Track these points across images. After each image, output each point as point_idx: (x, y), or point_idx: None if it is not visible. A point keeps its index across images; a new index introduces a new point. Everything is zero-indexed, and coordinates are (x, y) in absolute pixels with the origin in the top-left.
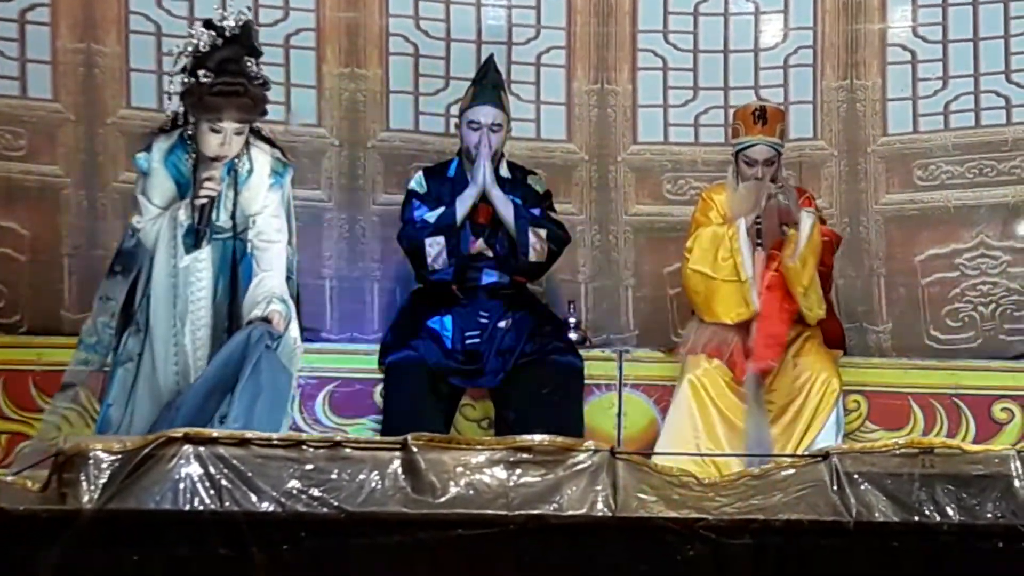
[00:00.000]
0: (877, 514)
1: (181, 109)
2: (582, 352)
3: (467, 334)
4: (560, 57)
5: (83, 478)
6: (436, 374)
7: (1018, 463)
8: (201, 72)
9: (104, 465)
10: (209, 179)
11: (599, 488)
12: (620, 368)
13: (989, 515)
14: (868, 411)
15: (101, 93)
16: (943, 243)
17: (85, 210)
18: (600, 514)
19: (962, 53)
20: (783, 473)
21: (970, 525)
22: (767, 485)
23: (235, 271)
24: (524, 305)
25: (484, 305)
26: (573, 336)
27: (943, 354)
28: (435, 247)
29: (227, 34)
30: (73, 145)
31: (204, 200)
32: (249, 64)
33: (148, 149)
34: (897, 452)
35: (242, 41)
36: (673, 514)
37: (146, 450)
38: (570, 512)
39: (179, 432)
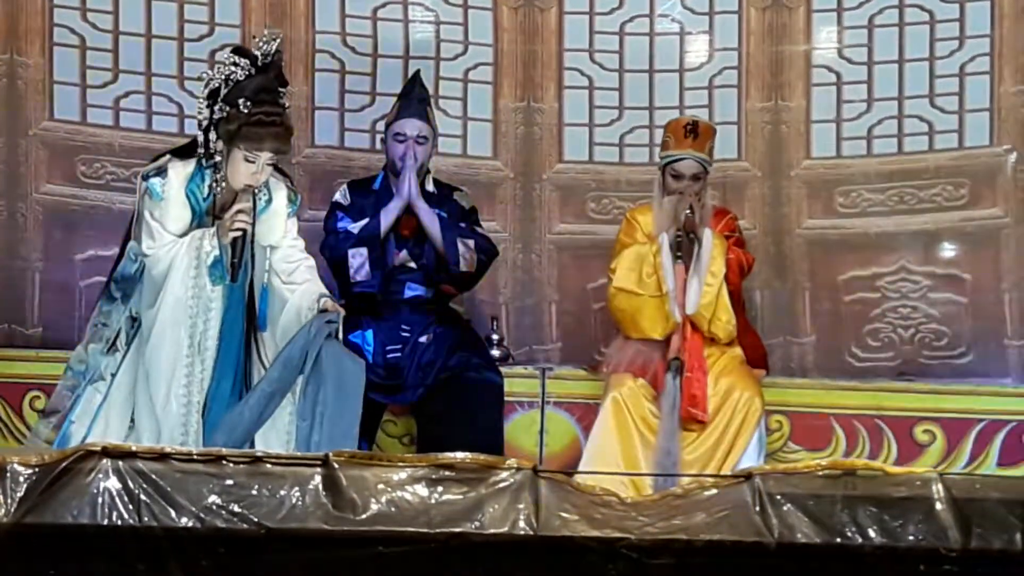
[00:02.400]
0: (799, 535)
1: (213, 136)
2: (504, 369)
3: (388, 348)
4: (487, 74)
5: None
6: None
7: (940, 485)
8: (241, 101)
9: (21, 478)
10: (242, 211)
11: (521, 506)
12: (543, 386)
13: (911, 537)
14: (791, 431)
15: (23, 104)
16: (865, 266)
17: (5, 221)
18: (522, 532)
19: (887, 75)
20: (706, 493)
21: (892, 547)
22: (690, 505)
23: (251, 303)
24: (446, 320)
25: (406, 319)
26: (495, 353)
27: (864, 372)
28: (358, 258)
29: (260, 63)
30: None
31: (238, 232)
32: (282, 93)
33: (160, 173)
34: (820, 473)
35: (274, 69)
36: (595, 533)
37: (64, 463)
38: (492, 530)
39: (97, 446)
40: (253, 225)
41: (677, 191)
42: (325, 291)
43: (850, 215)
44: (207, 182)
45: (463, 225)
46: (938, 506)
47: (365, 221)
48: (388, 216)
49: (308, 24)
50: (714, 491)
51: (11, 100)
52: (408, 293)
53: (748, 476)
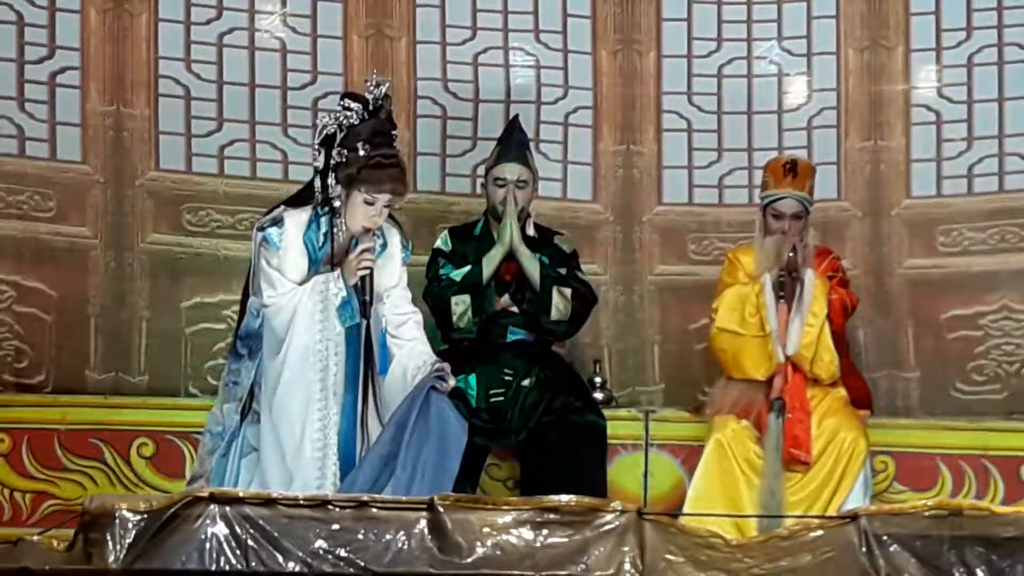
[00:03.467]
0: None
1: (331, 182)
2: (607, 412)
3: (492, 392)
4: (587, 117)
5: (109, 537)
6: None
7: None
8: (360, 144)
9: (130, 524)
10: (367, 250)
11: (626, 549)
12: (646, 428)
13: None
14: (896, 472)
15: (129, 155)
16: (967, 305)
17: (113, 270)
18: (628, 575)
19: (987, 114)
20: (812, 534)
21: None
22: (796, 546)
23: (368, 347)
24: (548, 363)
25: (509, 363)
26: (598, 396)
27: (969, 408)
28: (461, 305)
29: (371, 106)
30: (102, 206)
31: (365, 271)
32: (394, 135)
33: (277, 223)
34: (926, 514)
35: (385, 112)
36: (701, 575)
37: (172, 509)
38: (597, 573)
39: (204, 492)
40: (373, 288)
41: (778, 231)
42: (434, 356)
43: (951, 254)
44: (323, 230)
45: (563, 271)
46: None
47: (467, 269)
48: (490, 263)
49: (409, 71)
50: (820, 532)
51: (117, 151)
52: (511, 337)
53: (854, 517)
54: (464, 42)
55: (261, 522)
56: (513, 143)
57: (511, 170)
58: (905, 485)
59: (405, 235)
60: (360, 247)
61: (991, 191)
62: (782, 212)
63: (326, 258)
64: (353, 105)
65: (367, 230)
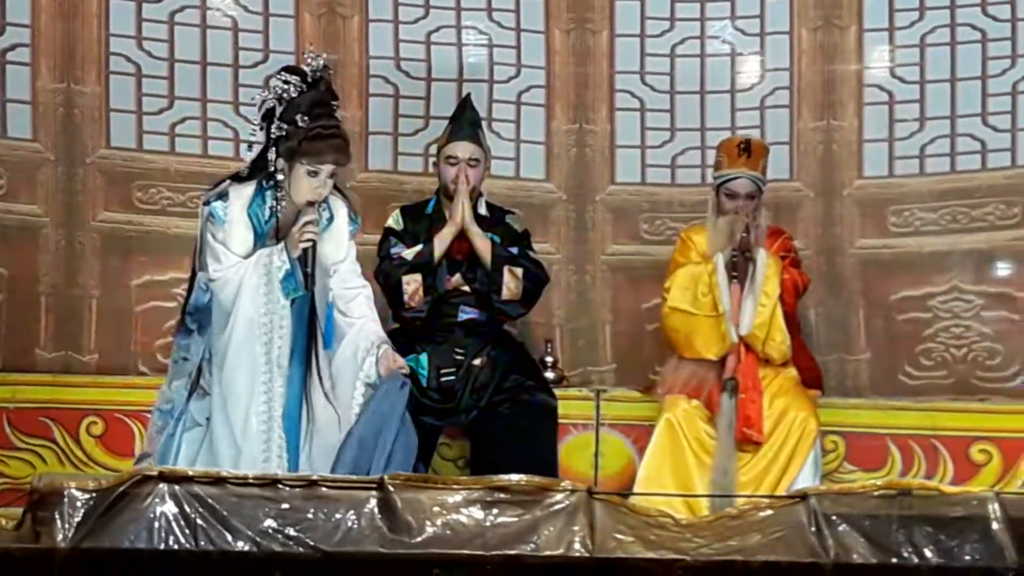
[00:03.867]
0: (855, 556)
1: (272, 156)
2: (559, 392)
3: (443, 371)
4: (540, 96)
5: (57, 516)
6: (412, 412)
7: (996, 505)
8: (299, 117)
9: (79, 503)
10: (309, 223)
11: (576, 528)
12: (597, 408)
13: (967, 557)
14: (846, 452)
15: (80, 132)
16: (917, 286)
17: (63, 249)
18: (577, 554)
19: (939, 94)
20: (761, 514)
21: (948, 567)
22: (745, 526)
23: (313, 321)
24: (500, 343)
25: (460, 342)
26: (550, 375)
27: (917, 391)
28: (412, 284)
29: (310, 79)
30: (52, 184)
31: (308, 244)
32: (335, 106)
33: (222, 197)
34: (875, 493)
35: (325, 84)
36: (651, 555)
37: (120, 488)
38: (547, 552)
39: (153, 471)
40: (315, 262)
41: (732, 211)
42: (384, 335)
43: (903, 234)
44: (267, 203)
45: (515, 250)
46: (995, 526)
47: (419, 247)
48: (442, 242)
49: (362, 49)
50: (769, 512)
51: (68, 129)
52: (462, 316)
53: (803, 496)
54: (416, 20)
55: (210, 501)
56: (465, 121)
57: (463, 148)
58: (855, 465)
59: (353, 209)
60: (303, 219)
61: (943, 171)
62: (736, 192)
63: (272, 232)
64: (291, 78)
65: (312, 202)
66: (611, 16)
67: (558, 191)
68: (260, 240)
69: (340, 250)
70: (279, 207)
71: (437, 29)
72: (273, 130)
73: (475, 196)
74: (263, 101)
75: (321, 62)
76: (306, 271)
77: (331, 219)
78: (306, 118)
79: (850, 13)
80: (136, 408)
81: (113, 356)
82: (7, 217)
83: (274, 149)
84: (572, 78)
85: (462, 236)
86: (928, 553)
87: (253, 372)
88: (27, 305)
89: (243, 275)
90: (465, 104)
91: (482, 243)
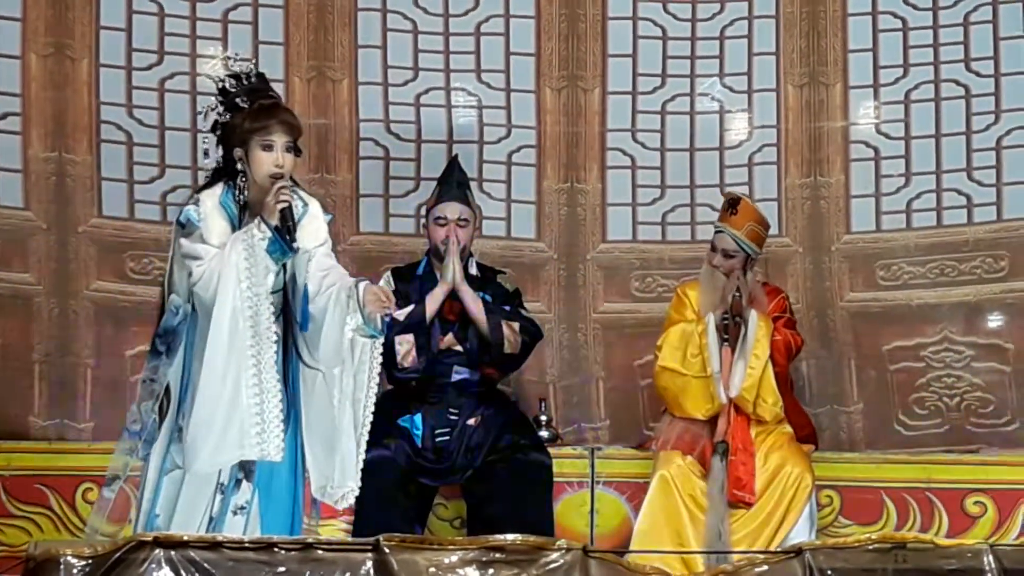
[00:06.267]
0: None
1: (220, 153)
2: (553, 450)
3: (437, 431)
4: (530, 156)
5: None
6: (407, 473)
7: (991, 557)
8: (238, 100)
9: (75, 570)
10: (283, 187)
11: None
12: (592, 465)
13: None
14: (841, 506)
15: (72, 201)
16: (908, 337)
17: (56, 317)
18: None
19: (924, 150)
20: (757, 570)
21: None
22: None
23: (286, 309)
24: (494, 402)
25: (454, 402)
26: (544, 434)
27: (912, 441)
28: (404, 345)
29: (244, 81)
30: (44, 253)
31: (284, 204)
32: (273, 94)
33: (194, 203)
34: (870, 547)
35: (260, 79)
36: None
37: (117, 554)
38: None
39: (149, 536)
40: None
41: (714, 264)
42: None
43: (892, 288)
44: (237, 199)
45: (507, 308)
46: None
47: (410, 308)
48: (433, 302)
49: (352, 112)
50: (765, 567)
51: (60, 198)
52: (455, 376)
53: (798, 552)
54: (406, 83)
55: (206, 566)
56: (453, 182)
57: (451, 209)
58: (850, 519)
59: (325, 208)
60: (276, 185)
61: (929, 226)
62: (716, 246)
63: (246, 219)
64: (226, 78)
65: (275, 176)
66: (603, 74)
67: (549, 250)
68: (236, 230)
69: (319, 235)
70: (246, 193)
71: (426, 91)
72: (219, 122)
73: (465, 256)
74: (206, 111)
75: (250, 65)
76: (286, 237)
77: (306, 205)
78: (246, 99)
79: (836, 70)
80: (132, 474)
81: (108, 424)
82: (0, 286)
83: (227, 144)
84: (563, 137)
85: (454, 296)
86: None
87: (240, 351)
88: (21, 373)
89: (223, 260)
90: (453, 165)
91: (474, 302)
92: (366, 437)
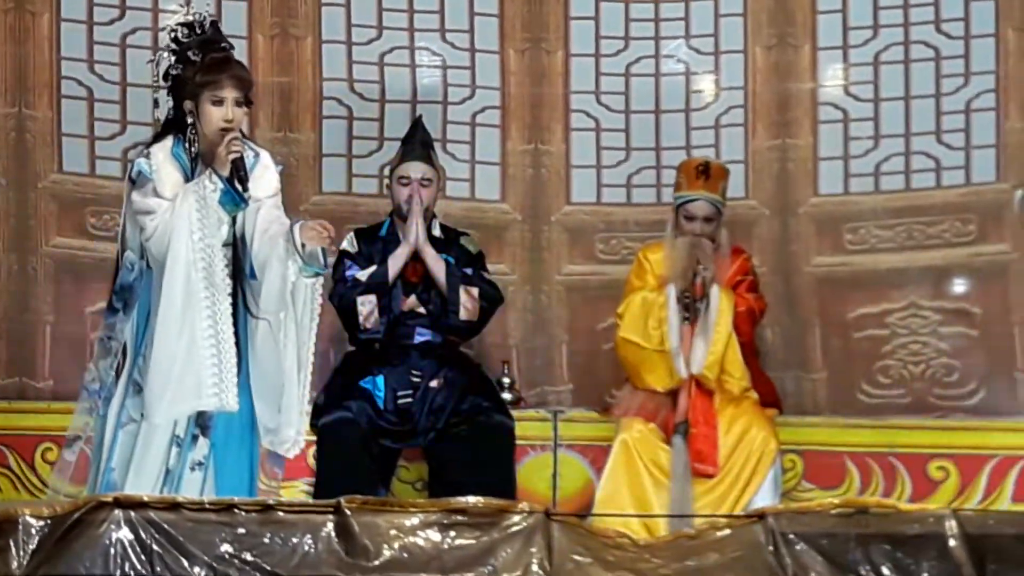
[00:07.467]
0: (813, 574)
1: (171, 104)
2: (516, 413)
3: (399, 393)
4: (494, 117)
5: (12, 544)
6: (369, 435)
7: (954, 522)
8: (190, 53)
9: (33, 530)
10: (234, 138)
11: (534, 550)
12: (555, 428)
13: (925, 574)
14: (804, 470)
15: (32, 157)
16: (874, 303)
17: (15, 274)
18: None
19: (893, 112)
20: (719, 534)
21: None
22: (703, 546)
23: (236, 261)
24: (456, 364)
25: (416, 364)
26: (507, 396)
27: (875, 410)
28: (367, 306)
29: (197, 30)
30: (4, 209)
31: (236, 155)
32: (225, 45)
33: (144, 156)
34: (833, 512)
35: (213, 28)
36: (609, 575)
37: (76, 515)
38: (505, 574)
39: (108, 496)
40: (247, 171)
41: (690, 232)
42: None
43: (859, 252)
44: (187, 152)
45: (469, 271)
46: (952, 543)
47: (373, 268)
48: (396, 263)
49: (316, 71)
50: (727, 531)
51: (20, 153)
52: (418, 338)
53: (761, 516)
54: (370, 42)
55: (166, 526)
56: (416, 142)
57: (415, 168)
58: (813, 483)
59: (275, 159)
60: (227, 137)
61: (898, 189)
62: (694, 214)
63: (198, 172)
64: (178, 27)
65: (224, 130)
66: (566, 36)
67: (513, 212)
68: (189, 181)
69: (270, 186)
70: (196, 145)
71: (391, 50)
72: (170, 74)
73: (429, 217)
74: (157, 61)
75: (206, 15)
76: (238, 187)
77: (256, 156)
78: (198, 53)
79: (804, 31)
80: (92, 433)
81: (68, 382)
82: None
83: (176, 96)
84: (527, 98)
85: (417, 258)
86: (886, 571)
87: (194, 301)
88: None
89: (176, 212)
90: (417, 125)
91: (436, 264)
92: (309, 379)
